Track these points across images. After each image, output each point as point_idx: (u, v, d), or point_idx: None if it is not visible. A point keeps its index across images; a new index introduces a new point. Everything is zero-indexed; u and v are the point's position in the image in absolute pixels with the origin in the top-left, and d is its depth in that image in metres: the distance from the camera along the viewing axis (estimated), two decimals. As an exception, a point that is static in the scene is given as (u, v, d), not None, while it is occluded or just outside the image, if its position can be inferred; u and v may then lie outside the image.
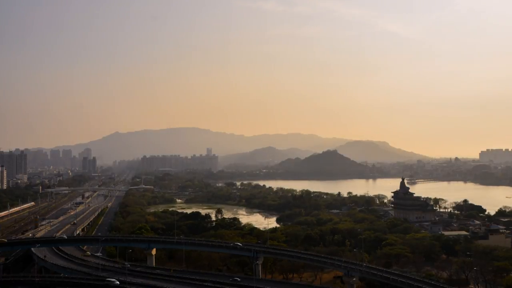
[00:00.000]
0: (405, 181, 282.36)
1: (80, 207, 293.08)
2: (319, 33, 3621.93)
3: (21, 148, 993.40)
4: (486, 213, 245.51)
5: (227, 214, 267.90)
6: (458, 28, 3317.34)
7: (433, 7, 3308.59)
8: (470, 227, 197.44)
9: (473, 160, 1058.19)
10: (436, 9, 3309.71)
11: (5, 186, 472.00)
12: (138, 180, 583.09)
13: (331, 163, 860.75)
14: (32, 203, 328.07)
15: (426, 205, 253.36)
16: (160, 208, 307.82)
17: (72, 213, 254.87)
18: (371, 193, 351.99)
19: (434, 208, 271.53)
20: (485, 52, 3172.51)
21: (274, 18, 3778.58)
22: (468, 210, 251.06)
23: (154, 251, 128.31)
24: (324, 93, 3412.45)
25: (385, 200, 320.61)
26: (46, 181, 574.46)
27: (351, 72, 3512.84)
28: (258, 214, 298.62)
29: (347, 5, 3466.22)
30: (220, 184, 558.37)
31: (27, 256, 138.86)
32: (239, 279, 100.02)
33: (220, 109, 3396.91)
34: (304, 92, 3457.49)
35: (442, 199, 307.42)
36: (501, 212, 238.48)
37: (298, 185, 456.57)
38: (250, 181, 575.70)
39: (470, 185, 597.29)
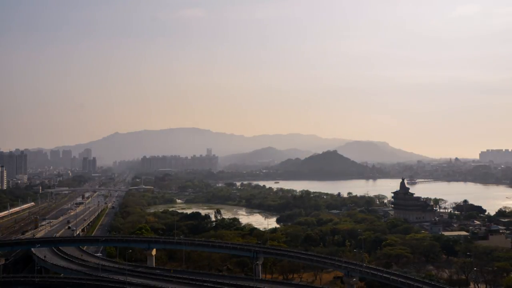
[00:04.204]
0: (405, 181, 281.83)
1: (80, 208, 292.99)
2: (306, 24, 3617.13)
3: (21, 148, 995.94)
4: (486, 213, 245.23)
5: (227, 215, 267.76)
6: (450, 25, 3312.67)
7: None
8: (470, 227, 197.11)
9: (473, 161, 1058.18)
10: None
11: (5, 186, 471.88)
12: (138, 180, 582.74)
13: (331, 163, 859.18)
14: (32, 203, 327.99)
15: (426, 205, 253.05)
16: (160, 208, 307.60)
17: (72, 213, 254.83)
18: (371, 193, 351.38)
19: (434, 208, 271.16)
20: (483, 53, 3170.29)
21: (270, 19, 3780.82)
22: (468, 211, 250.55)
23: (154, 252, 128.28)
24: (324, 93, 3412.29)
25: (385, 201, 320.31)
26: (46, 181, 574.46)
27: (350, 71, 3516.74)
28: (258, 214, 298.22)
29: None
30: (220, 185, 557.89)
31: (27, 256, 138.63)
32: None
33: (220, 109, 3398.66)
34: (304, 92, 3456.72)
35: (442, 200, 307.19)
36: (501, 213, 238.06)
37: (298, 186, 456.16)
38: (250, 182, 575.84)
39: (470, 186, 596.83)
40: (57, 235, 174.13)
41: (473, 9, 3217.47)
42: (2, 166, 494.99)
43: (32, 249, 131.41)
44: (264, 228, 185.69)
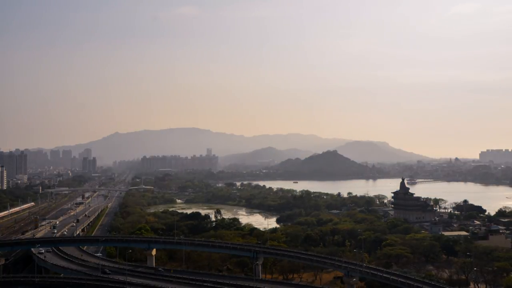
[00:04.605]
0: (405, 181, 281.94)
1: (80, 207, 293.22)
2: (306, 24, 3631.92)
3: (21, 148, 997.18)
4: (486, 213, 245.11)
5: (227, 215, 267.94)
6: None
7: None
8: (470, 227, 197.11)
9: (473, 161, 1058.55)
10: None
11: (5, 187, 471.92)
12: (138, 180, 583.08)
13: (331, 163, 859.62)
14: (32, 203, 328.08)
15: (426, 205, 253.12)
16: (160, 208, 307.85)
17: (72, 213, 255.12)
18: (371, 193, 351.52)
19: (434, 208, 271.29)
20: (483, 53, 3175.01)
21: (270, 18, 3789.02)
22: (468, 211, 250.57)
23: (154, 252, 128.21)
24: (324, 93, 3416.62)
25: (385, 201, 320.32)
26: (46, 181, 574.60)
27: (350, 70, 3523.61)
28: (258, 214, 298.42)
29: None
30: (220, 185, 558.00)
31: (27, 256, 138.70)
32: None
33: (220, 109, 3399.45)
34: (303, 92, 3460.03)
35: (442, 200, 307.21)
36: (501, 213, 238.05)
37: (298, 186, 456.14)
38: (250, 182, 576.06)
39: (470, 186, 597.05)
40: (58, 234, 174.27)
41: (473, 7, 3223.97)
42: (2, 166, 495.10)
43: (32, 249, 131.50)
44: (264, 228, 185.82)
